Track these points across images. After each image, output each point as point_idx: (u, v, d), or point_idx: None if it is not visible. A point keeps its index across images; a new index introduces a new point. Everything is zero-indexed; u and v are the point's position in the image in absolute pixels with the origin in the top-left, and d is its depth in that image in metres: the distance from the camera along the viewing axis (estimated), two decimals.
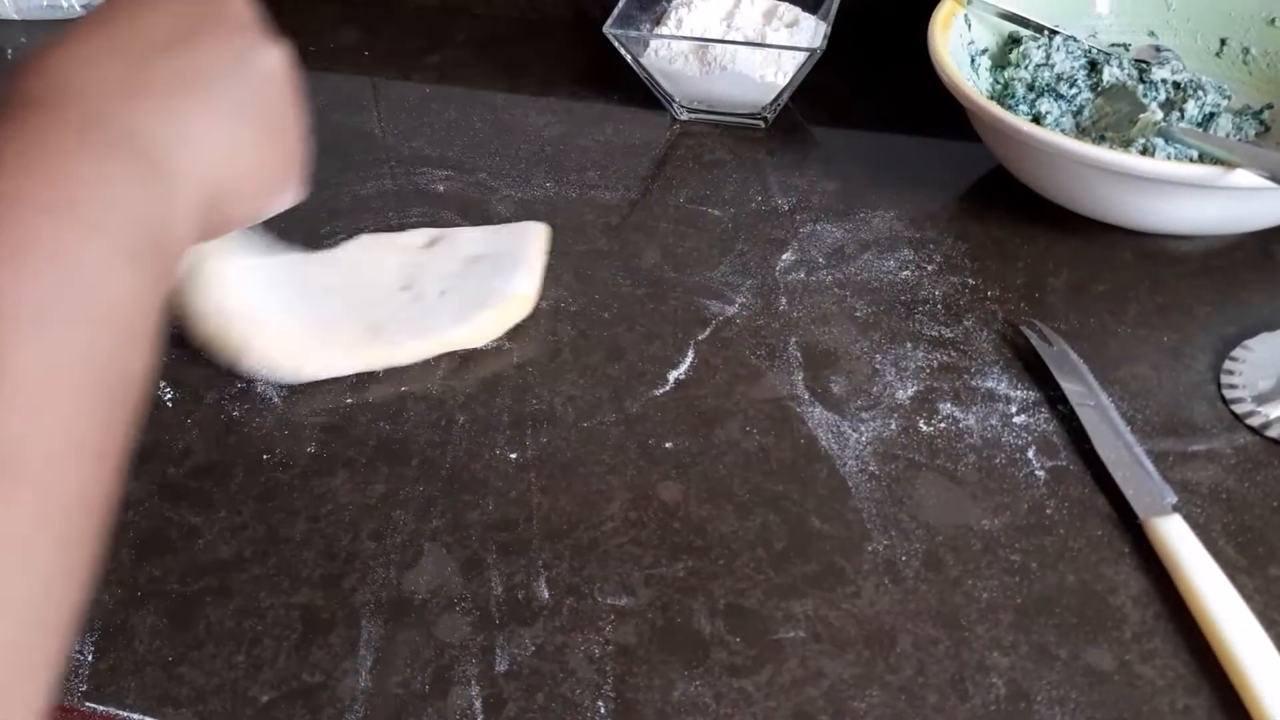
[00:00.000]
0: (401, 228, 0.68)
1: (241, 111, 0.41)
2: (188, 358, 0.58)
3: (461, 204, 0.70)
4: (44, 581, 0.29)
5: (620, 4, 0.74)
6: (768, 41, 0.73)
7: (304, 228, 0.68)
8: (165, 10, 0.40)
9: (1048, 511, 0.50)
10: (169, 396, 0.58)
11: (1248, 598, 0.45)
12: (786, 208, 0.68)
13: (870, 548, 0.49)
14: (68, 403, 0.31)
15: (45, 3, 0.92)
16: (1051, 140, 0.59)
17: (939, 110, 0.65)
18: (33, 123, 0.35)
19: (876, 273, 0.63)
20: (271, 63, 0.45)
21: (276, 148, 0.43)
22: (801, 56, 0.70)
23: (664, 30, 0.75)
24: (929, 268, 0.63)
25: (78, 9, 0.92)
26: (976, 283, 0.62)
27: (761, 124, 0.75)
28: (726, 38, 0.73)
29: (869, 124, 0.77)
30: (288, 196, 0.44)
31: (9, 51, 0.90)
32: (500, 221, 0.68)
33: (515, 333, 0.60)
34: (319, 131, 0.77)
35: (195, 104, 0.39)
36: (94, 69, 0.37)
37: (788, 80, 0.71)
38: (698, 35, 0.74)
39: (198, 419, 0.57)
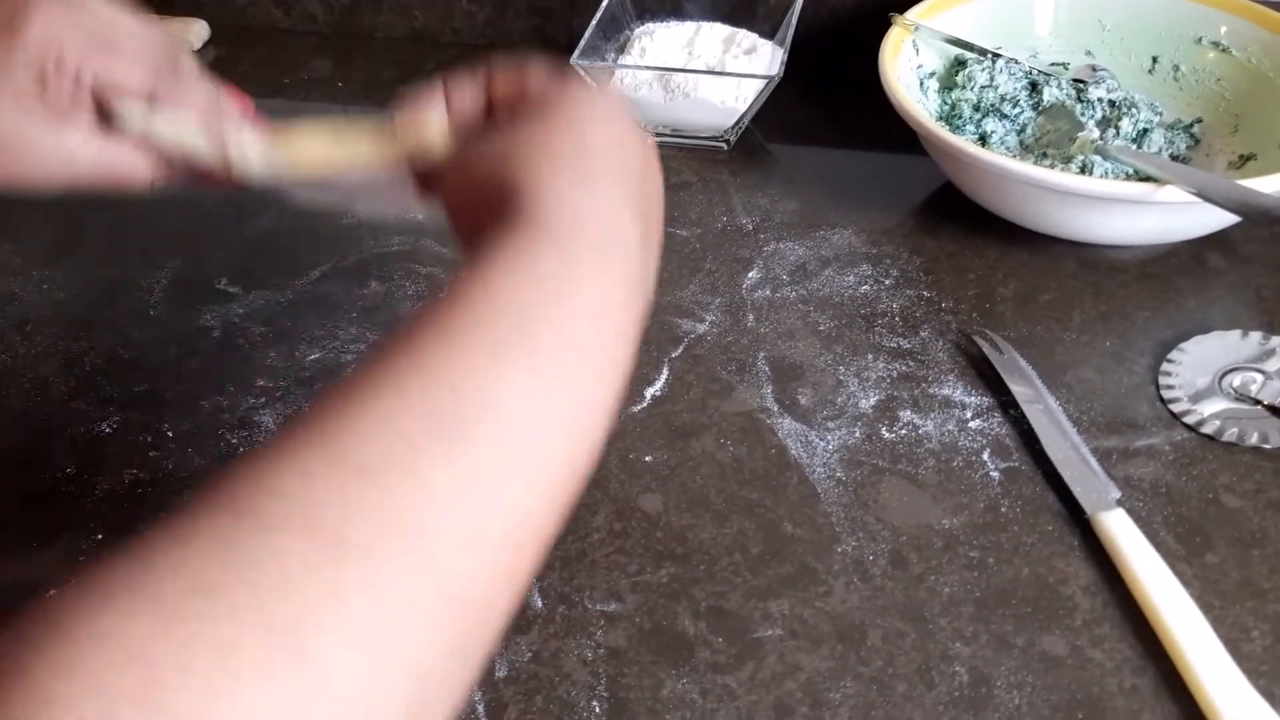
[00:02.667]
0: (381, 257, 0.71)
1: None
2: None
3: (441, 232, 0.73)
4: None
5: (586, 35, 0.78)
6: (727, 69, 0.76)
7: (290, 257, 0.71)
8: (614, 140, 0.43)
9: (1002, 510, 0.54)
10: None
11: (1186, 584, 0.49)
12: (751, 227, 0.72)
13: (840, 549, 0.53)
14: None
15: None
16: (995, 162, 0.63)
17: (893, 129, 0.69)
18: (564, 249, 0.37)
19: (838, 288, 0.67)
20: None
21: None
22: (760, 83, 0.74)
23: (628, 60, 0.79)
24: (886, 282, 0.67)
25: None
26: (931, 295, 0.66)
27: (724, 146, 0.79)
28: (688, 66, 0.77)
29: (827, 144, 0.80)
30: None
31: None
32: None
33: None
34: None
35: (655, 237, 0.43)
36: (588, 197, 0.39)
37: (748, 105, 0.75)
38: (660, 65, 0.78)
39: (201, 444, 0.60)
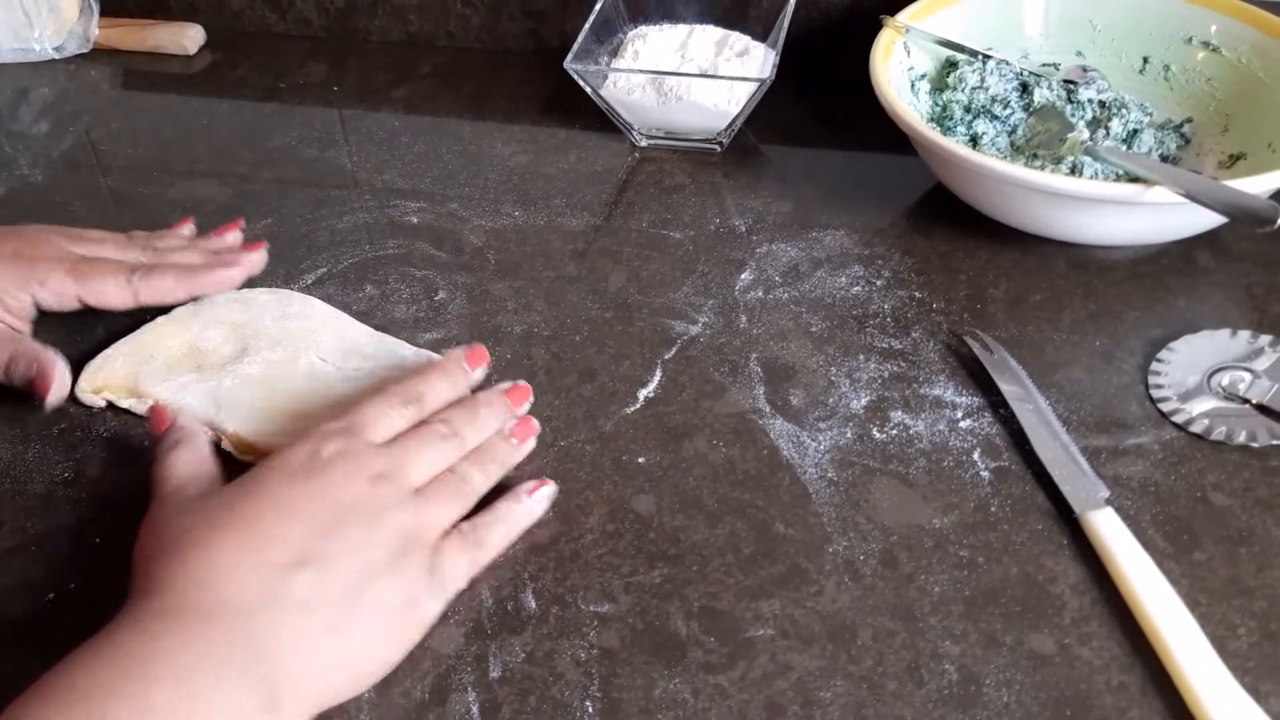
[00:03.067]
0: (377, 261, 0.72)
1: (371, 638, 0.47)
2: None
3: (435, 235, 0.74)
4: None
5: (579, 38, 0.78)
6: (720, 72, 0.77)
7: (284, 264, 0.71)
8: (301, 517, 0.47)
9: (992, 509, 0.55)
10: None
11: (1174, 582, 0.50)
12: (743, 229, 0.73)
13: (831, 549, 0.53)
14: None
15: (15, 46, 0.94)
16: (985, 163, 0.63)
17: (885, 130, 0.69)
18: (189, 636, 0.43)
19: (829, 289, 0.67)
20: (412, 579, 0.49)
21: (382, 663, 0.48)
22: (753, 85, 0.74)
23: (621, 63, 0.79)
24: (878, 283, 0.68)
25: (49, 52, 0.94)
26: (923, 296, 0.67)
27: (717, 148, 0.79)
28: (681, 69, 0.77)
29: (820, 145, 0.81)
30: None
31: None
32: (471, 251, 0.72)
33: (492, 358, 0.64)
34: (294, 167, 0.81)
35: (331, 627, 0.45)
36: (242, 588, 0.44)
37: (740, 107, 0.76)
38: (653, 68, 0.78)
39: None
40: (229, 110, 0.89)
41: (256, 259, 0.68)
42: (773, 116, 0.81)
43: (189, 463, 0.52)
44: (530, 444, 0.57)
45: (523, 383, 0.59)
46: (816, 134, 0.82)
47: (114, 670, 0.41)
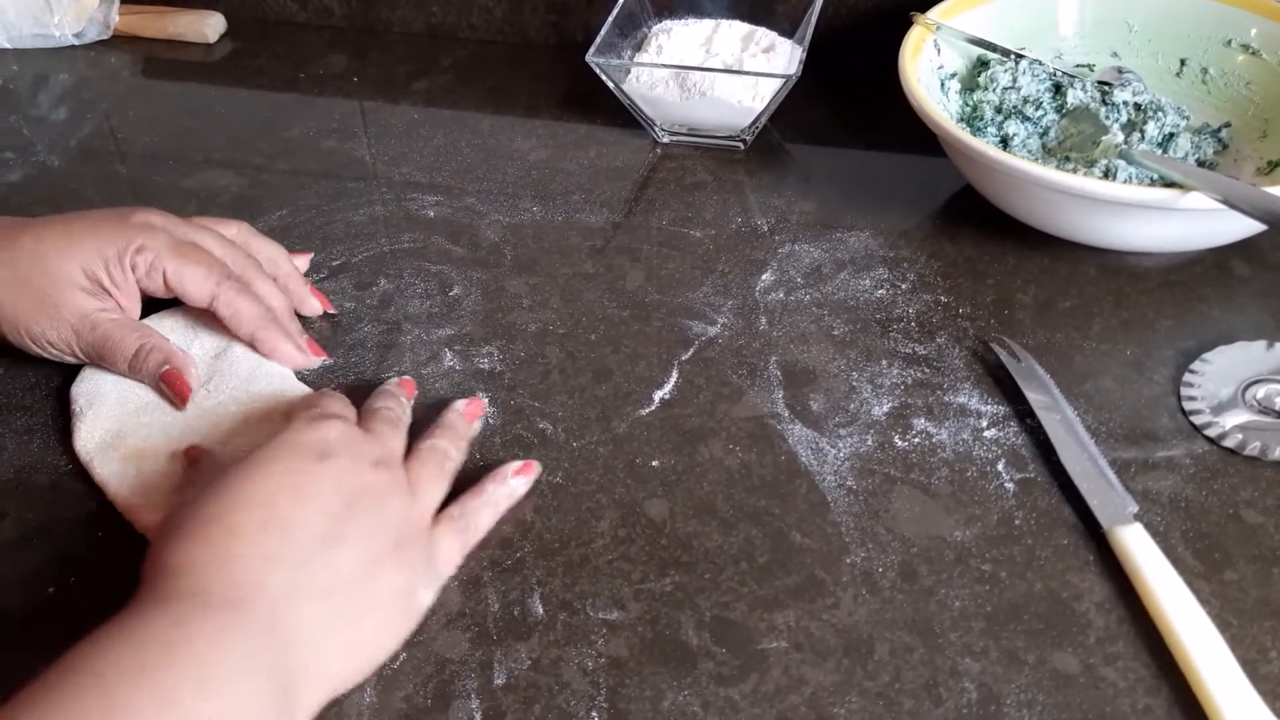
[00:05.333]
0: (392, 255, 0.70)
1: (378, 626, 0.47)
2: None
3: (452, 229, 0.73)
4: None
5: (602, 31, 0.77)
6: (745, 68, 0.75)
7: None
8: (316, 500, 0.46)
9: (1016, 522, 0.53)
10: None
11: (1204, 602, 0.48)
12: (766, 228, 0.71)
13: (848, 560, 0.52)
14: None
15: (36, 32, 0.94)
16: (1016, 166, 0.62)
17: (912, 131, 0.68)
18: (215, 624, 0.41)
19: (853, 291, 0.66)
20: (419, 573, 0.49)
21: (384, 651, 0.48)
22: (778, 82, 0.72)
23: (644, 58, 0.78)
24: (903, 286, 0.66)
25: (69, 38, 0.94)
26: (949, 300, 0.65)
27: (740, 146, 0.78)
28: (705, 64, 0.76)
29: (845, 144, 0.79)
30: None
31: None
32: (488, 246, 0.71)
33: (505, 355, 0.63)
34: (311, 158, 0.80)
35: (340, 616, 0.45)
36: (265, 571, 0.44)
37: (765, 104, 0.74)
38: (677, 62, 0.76)
39: None
40: (247, 100, 0.88)
41: (317, 360, 0.63)
42: (797, 115, 0.79)
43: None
44: (478, 424, 0.59)
45: (407, 378, 0.61)
46: (842, 133, 0.80)
47: (136, 657, 0.39)
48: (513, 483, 0.54)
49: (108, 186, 0.78)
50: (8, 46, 0.94)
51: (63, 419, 0.60)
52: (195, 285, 0.59)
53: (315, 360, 0.62)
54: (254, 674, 0.41)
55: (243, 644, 0.41)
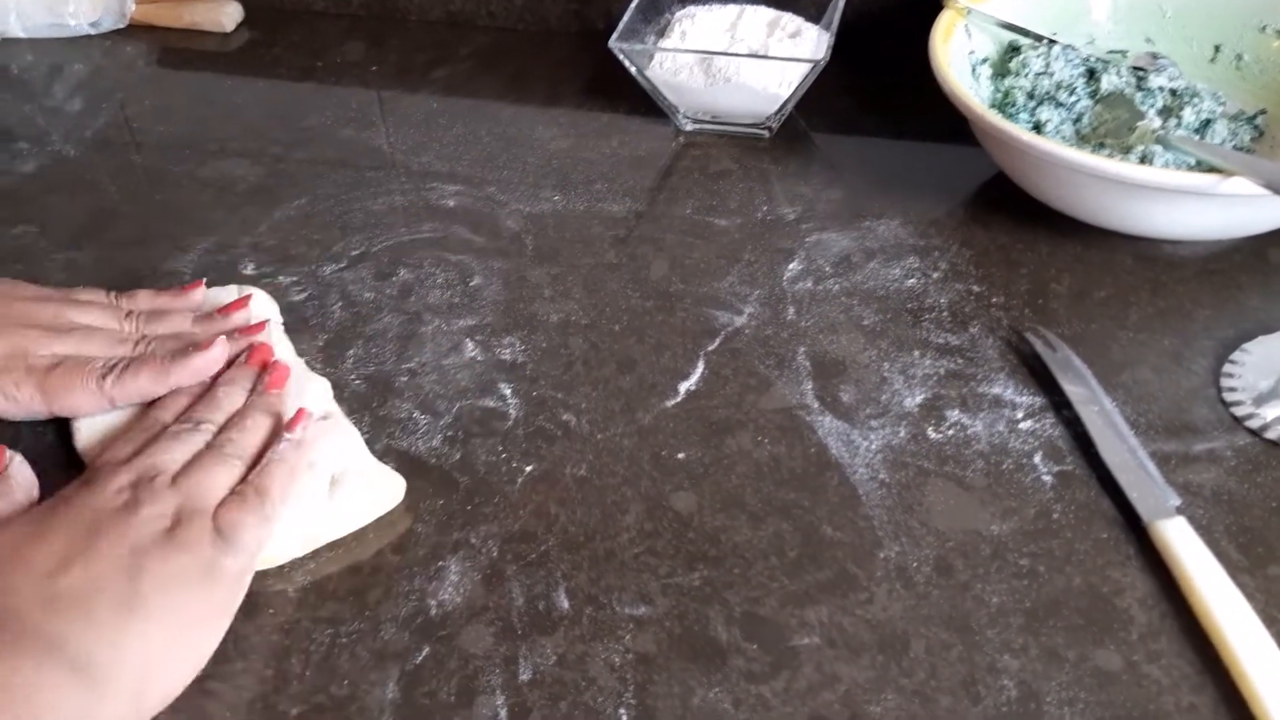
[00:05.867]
0: (413, 243, 0.69)
1: (168, 606, 0.45)
2: None
3: (472, 219, 0.71)
4: None
5: (625, 17, 0.75)
6: (771, 53, 0.74)
7: (319, 244, 0.69)
8: (57, 530, 0.46)
9: (1054, 516, 0.51)
10: None
11: (1249, 597, 0.46)
12: (793, 217, 0.70)
13: (882, 554, 0.50)
14: None
15: (51, 21, 0.93)
16: (1051, 150, 0.60)
17: (941, 117, 0.66)
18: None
19: (883, 281, 0.64)
20: (197, 557, 0.48)
21: (208, 630, 0.47)
22: (805, 67, 0.71)
23: (668, 43, 0.76)
24: (934, 275, 0.65)
25: (85, 28, 0.93)
26: (981, 290, 0.63)
27: (766, 133, 0.77)
28: (730, 50, 0.74)
29: (872, 131, 0.78)
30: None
31: (14, 68, 0.91)
32: (509, 236, 0.69)
33: (528, 346, 0.62)
34: (329, 147, 0.79)
35: (112, 607, 0.44)
36: (9, 591, 0.44)
37: (791, 91, 0.73)
38: (701, 48, 0.75)
39: None
40: (264, 89, 0.87)
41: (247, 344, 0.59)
42: (823, 101, 0.78)
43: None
44: (286, 387, 0.56)
45: (259, 340, 0.59)
46: (869, 121, 0.79)
47: None
48: (289, 437, 0.52)
49: (123, 176, 0.77)
50: (23, 36, 0.93)
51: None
52: (84, 405, 0.56)
53: (197, 293, 0.62)
54: (50, 683, 0.41)
55: (19, 662, 0.41)
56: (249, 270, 0.68)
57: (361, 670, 0.47)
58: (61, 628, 0.43)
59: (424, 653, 0.47)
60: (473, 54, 0.90)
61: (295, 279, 0.67)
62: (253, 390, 0.56)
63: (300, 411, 0.53)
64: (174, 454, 0.51)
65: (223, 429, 0.53)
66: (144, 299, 0.62)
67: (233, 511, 0.49)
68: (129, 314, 0.60)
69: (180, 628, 0.46)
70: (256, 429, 0.53)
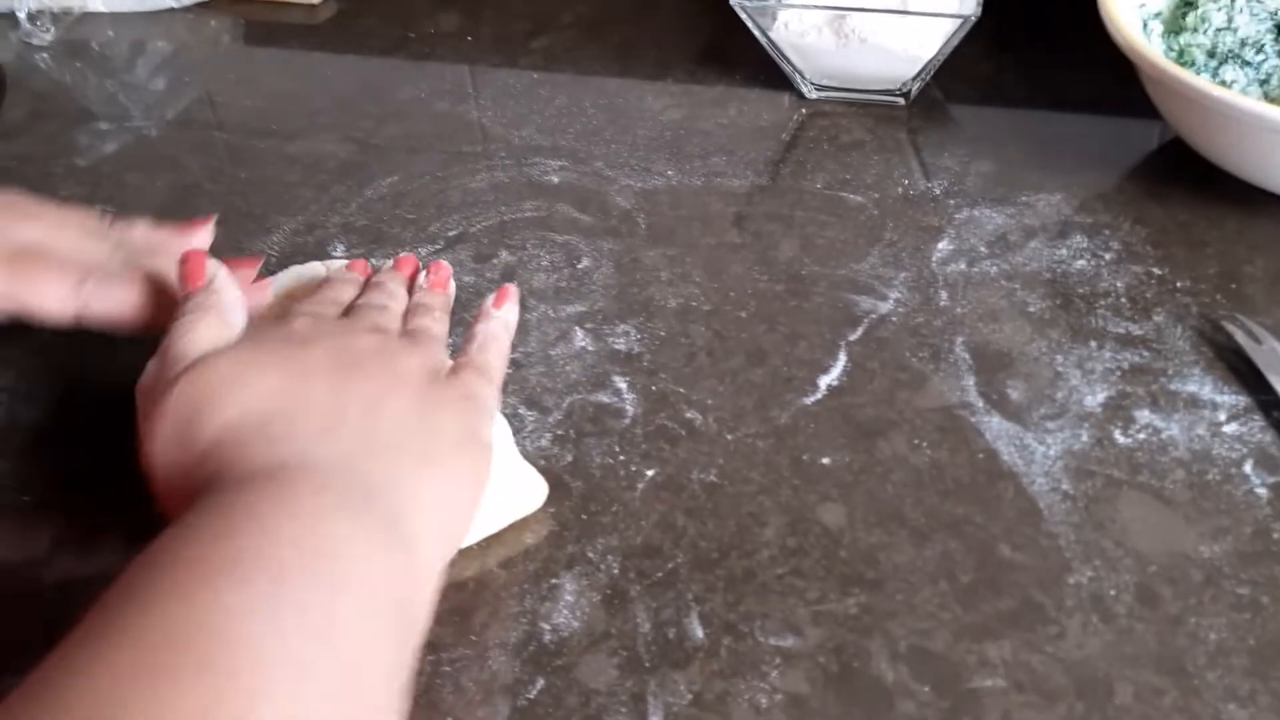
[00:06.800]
0: (515, 223, 0.63)
1: (460, 475, 0.41)
2: None
3: (578, 196, 0.65)
4: None
5: None
6: (912, 8, 0.66)
7: (412, 226, 0.64)
8: (330, 380, 0.41)
9: (1275, 535, 0.43)
10: None
11: None
12: (938, 192, 0.62)
13: (1072, 580, 0.43)
14: None
15: None
16: (1246, 107, 0.52)
17: (1097, 83, 0.59)
18: (292, 487, 0.36)
19: (1047, 262, 0.57)
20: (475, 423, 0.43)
21: (477, 493, 0.42)
22: (952, 24, 0.63)
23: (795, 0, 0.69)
24: (1106, 256, 0.57)
25: (168, 1, 0.89)
26: (1162, 272, 0.55)
27: (901, 101, 0.69)
28: (867, 6, 0.67)
29: (1018, 99, 0.70)
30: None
31: (94, 44, 0.87)
32: (619, 214, 0.63)
33: (644, 335, 0.55)
34: (423, 122, 0.73)
35: (417, 463, 0.40)
36: (330, 439, 0.39)
37: (934, 52, 0.65)
38: (834, 3, 0.68)
39: None
40: (353, 63, 0.82)
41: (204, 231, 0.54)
42: (961, 66, 0.70)
43: (209, 339, 0.42)
44: (451, 286, 0.51)
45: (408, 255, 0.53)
46: (1014, 87, 0.71)
47: (227, 546, 0.33)
48: (497, 314, 0.48)
49: (205, 153, 0.72)
50: (104, 10, 0.89)
51: None
52: (51, 301, 0.48)
53: (202, 232, 0.54)
54: (364, 527, 0.36)
55: (335, 502, 0.36)
56: (338, 252, 0.62)
57: (468, 705, 0.41)
58: (378, 475, 0.38)
59: (538, 686, 0.41)
60: (574, 22, 0.83)
61: (387, 261, 0.61)
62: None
63: (505, 288, 0.49)
64: (386, 314, 0.46)
65: (408, 316, 0.48)
66: (140, 228, 0.54)
67: (471, 381, 0.44)
68: (113, 240, 0.52)
69: (464, 490, 0.41)
70: (443, 321, 0.48)
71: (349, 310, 0.48)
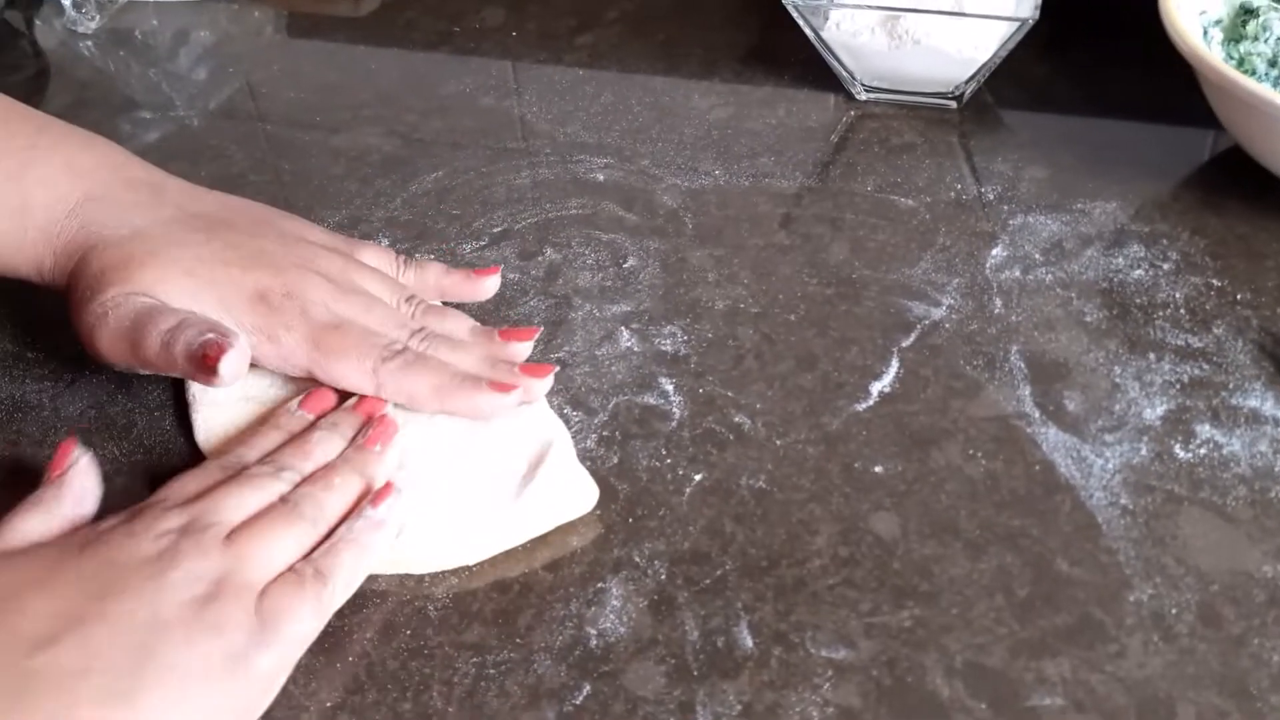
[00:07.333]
0: (560, 221, 0.63)
1: (168, 705, 0.37)
2: None
3: (624, 194, 0.64)
4: None
5: None
6: (969, 10, 0.65)
7: (456, 222, 0.63)
8: (69, 582, 0.39)
9: None
10: None
11: None
12: (991, 197, 0.61)
13: (1132, 597, 0.42)
14: None
15: None
16: None
17: (1154, 91, 0.58)
18: None
19: (1104, 271, 0.56)
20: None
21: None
22: (1009, 27, 0.62)
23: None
24: (1164, 266, 0.56)
25: None
26: (1222, 284, 0.54)
27: (953, 104, 0.68)
28: (921, 7, 0.66)
29: (1072, 105, 0.69)
30: None
31: (137, 34, 0.87)
32: (665, 214, 0.62)
33: (691, 337, 0.54)
34: (467, 117, 0.73)
35: (98, 699, 0.36)
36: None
37: (990, 55, 0.64)
38: (888, 4, 0.67)
39: None
40: (398, 56, 0.81)
41: (539, 386, 0.50)
42: (1015, 70, 0.69)
43: (23, 533, 0.42)
44: (393, 449, 0.47)
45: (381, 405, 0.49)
46: (1068, 93, 0.70)
47: None
48: (371, 513, 0.44)
49: (248, 145, 0.72)
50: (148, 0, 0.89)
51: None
52: (352, 381, 0.49)
53: (539, 383, 0.50)
54: None
55: None
56: (381, 245, 0.62)
57: (513, 710, 0.40)
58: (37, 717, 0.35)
59: (584, 692, 0.41)
60: (620, 18, 0.82)
61: (432, 257, 0.60)
62: (352, 442, 0.47)
63: (388, 485, 0.45)
64: (242, 501, 0.43)
65: (306, 480, 0.45)
66: (433, 274, 0.55)
67: (284, 595, 0.40)
68: (410, 299, 0.53)
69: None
70: (344, 490, 0.45)
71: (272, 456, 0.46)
